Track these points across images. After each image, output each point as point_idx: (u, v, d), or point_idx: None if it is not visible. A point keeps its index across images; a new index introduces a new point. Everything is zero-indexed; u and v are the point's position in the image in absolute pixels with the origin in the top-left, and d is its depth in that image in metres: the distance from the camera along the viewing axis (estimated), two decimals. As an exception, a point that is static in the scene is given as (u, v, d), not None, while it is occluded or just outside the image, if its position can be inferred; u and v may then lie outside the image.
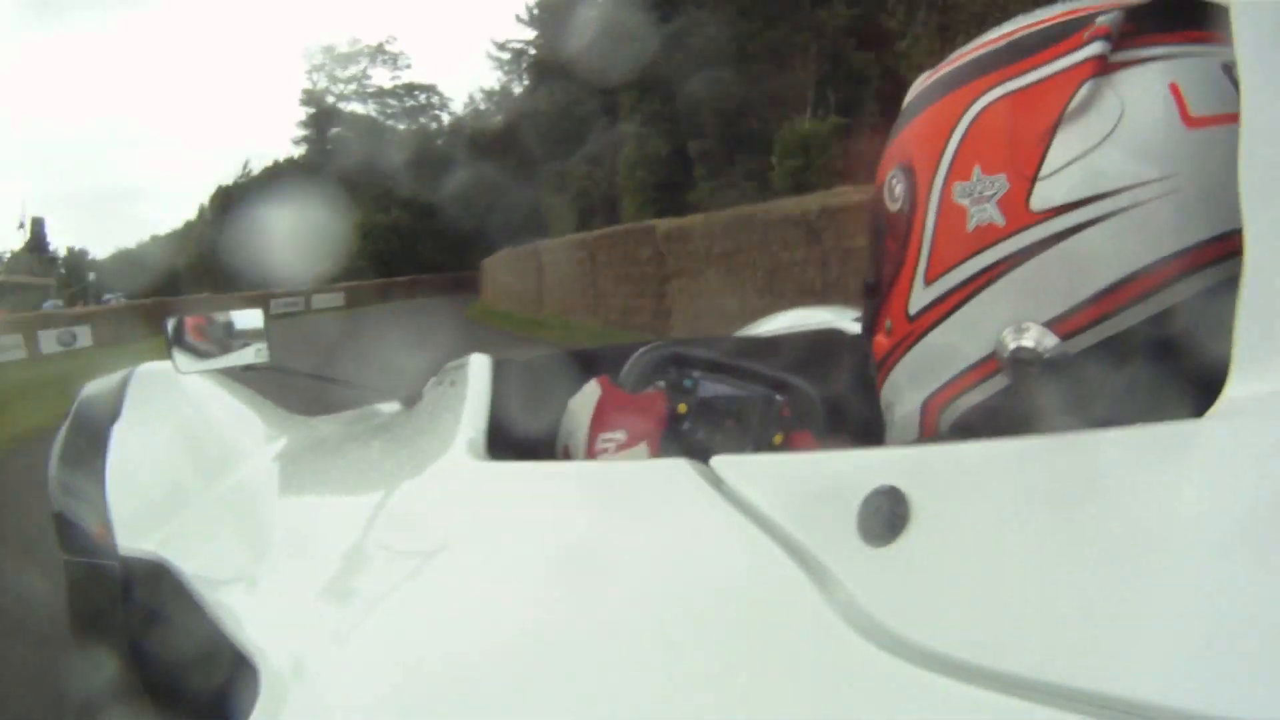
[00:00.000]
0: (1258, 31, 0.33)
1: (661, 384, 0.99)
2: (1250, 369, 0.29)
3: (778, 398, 1.02)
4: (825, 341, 1.11)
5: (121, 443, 1.07)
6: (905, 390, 0.53)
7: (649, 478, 0.52)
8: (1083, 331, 0.43)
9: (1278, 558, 0.25)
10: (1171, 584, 0.26)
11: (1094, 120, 0.42)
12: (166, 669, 0.96)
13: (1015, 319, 0.44)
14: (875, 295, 0.55)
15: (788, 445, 1.02)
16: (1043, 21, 0.46)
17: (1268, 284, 0.30)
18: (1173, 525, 0.27)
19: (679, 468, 0.47)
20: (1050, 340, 0.43)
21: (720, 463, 0.45)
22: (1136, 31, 0.43)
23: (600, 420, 0.81)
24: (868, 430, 0.96)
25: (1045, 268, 0.43)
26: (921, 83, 0.52)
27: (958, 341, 0.48)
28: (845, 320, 1.20)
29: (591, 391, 0.89)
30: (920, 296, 0.49)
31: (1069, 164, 0.42)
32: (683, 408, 0.98)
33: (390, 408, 1.23)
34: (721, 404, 1.00)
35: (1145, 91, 0.42)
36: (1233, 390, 0.29)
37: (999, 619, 0.30)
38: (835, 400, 1.00)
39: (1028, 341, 0.44)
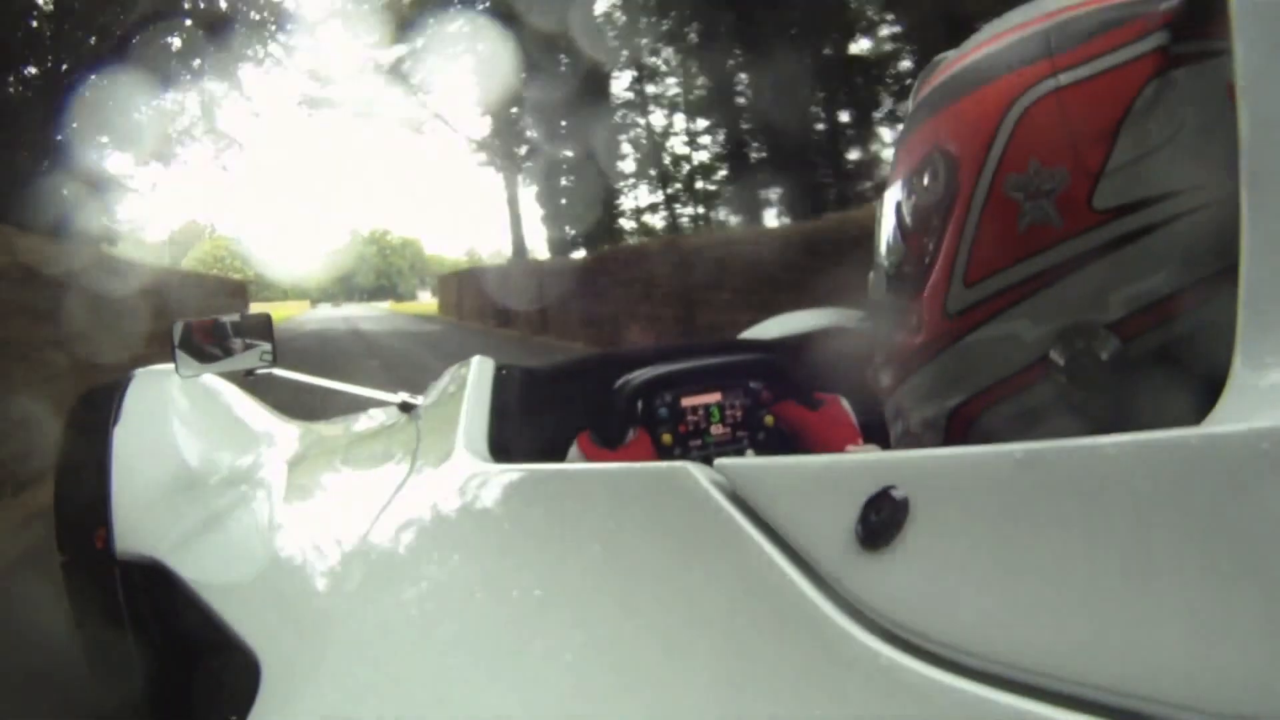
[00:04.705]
0: (1255, 17, 0.32)
1: (639, 413, 1.00)
2: (1249, 365, 0.28)
3: (753, 384, 1.03)
4: (828, 340, 1.12)
5: (122, 446, 1.07)
6: (933, 395, 0.49)
7: (652, 481, 0.51)
8: (1141, 339, 0.40)
9: (1278, 560, 0.25)
10: (1172, 586, 0.26)
11: (1159, 118, 0.39)
12: (165, 671, 0.96)
13: (1070, 324, 0.41)
14: (900, 292, 0.50)
15: (780, 422, 1.03)
16: (1097, 2, 0.42)
17: (1264, 276, 0.29)
18: (1173, 529, 0.27)
19: (682, 471, 0.46)
20: (1108, 348, 0.40)
21: (723, 465, 0.45)
22: (1199, 21, 0.39)
23: None
24: (857, 397, 0.96)
25: (1104, 272, 0.40)
26: (950, 64, 0.48)
27: (1002, 345, 0.44)
28: (851, 321, 1.20)
29: (575, 460, 0.90)
30: (961, 296, 0.45)
31: (1133, 162, 0.40)
32: (667, 438, 1.00)
33: (392, 412, 1.23)
34: (702, 413, 1.02)
35: (1208, 90, 0.38)
36: (1234, 384, 0.28)
37: (999, 623, 0.30)
38: (813, 368, 1.00)
39: (1084, 348, 0.41)
